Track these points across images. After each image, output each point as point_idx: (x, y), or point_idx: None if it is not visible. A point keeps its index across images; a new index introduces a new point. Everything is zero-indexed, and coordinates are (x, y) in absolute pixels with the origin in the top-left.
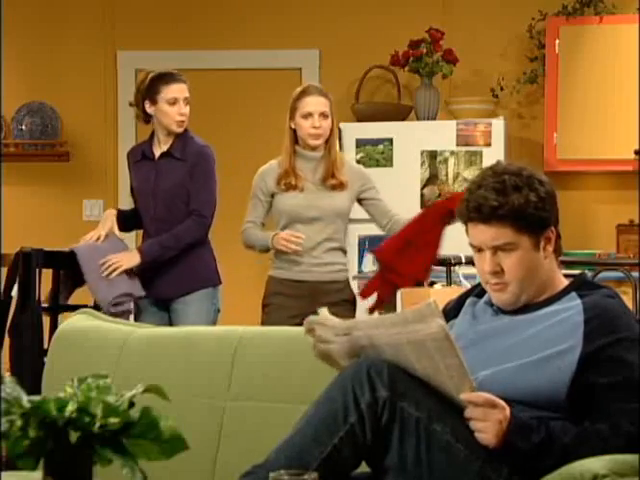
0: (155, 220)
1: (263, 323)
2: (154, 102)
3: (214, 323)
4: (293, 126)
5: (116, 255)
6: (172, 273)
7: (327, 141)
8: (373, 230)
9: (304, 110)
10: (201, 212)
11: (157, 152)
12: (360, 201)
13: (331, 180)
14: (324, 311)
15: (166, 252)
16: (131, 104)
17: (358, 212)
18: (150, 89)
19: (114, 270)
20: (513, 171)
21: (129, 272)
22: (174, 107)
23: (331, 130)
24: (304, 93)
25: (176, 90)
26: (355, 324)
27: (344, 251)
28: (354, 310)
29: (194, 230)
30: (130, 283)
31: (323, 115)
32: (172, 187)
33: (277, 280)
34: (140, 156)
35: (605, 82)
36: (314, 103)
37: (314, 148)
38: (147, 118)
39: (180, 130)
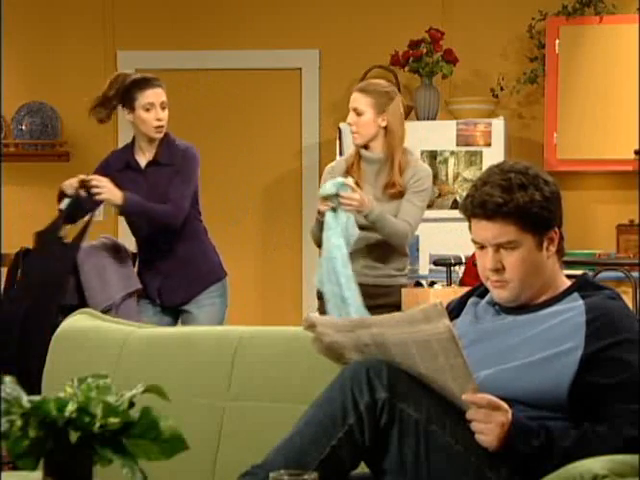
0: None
1: (320, 310)
2: (132, 109)
3: (223, 319)
4: None
5: (105, 182)
6: (181, 278)
7: (387, 144)
8: None
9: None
10: (178, 203)
11: (142, 161)
12: None
13: (390, 189)
14: (318, 315)
15: (141, 217)
16: (101, 101)
17: None
18: (126, 96)
19: (92, 187)
20: (519, 169)
21: (124, 267)
22: (150, 113)
23: (386, 131)
24: (354, 89)
25: (151, 95)
26: (360, 322)
27: (402, 255)
28: None
29: (169, 216)
30: (125, 282)
31: (355, 111)
32: (164, 193)
33: None
34: (123, 165)
35: (605, 82)
36: (352, 99)
37: (360, 147)
38: (109, 116)
39: (160, 136)
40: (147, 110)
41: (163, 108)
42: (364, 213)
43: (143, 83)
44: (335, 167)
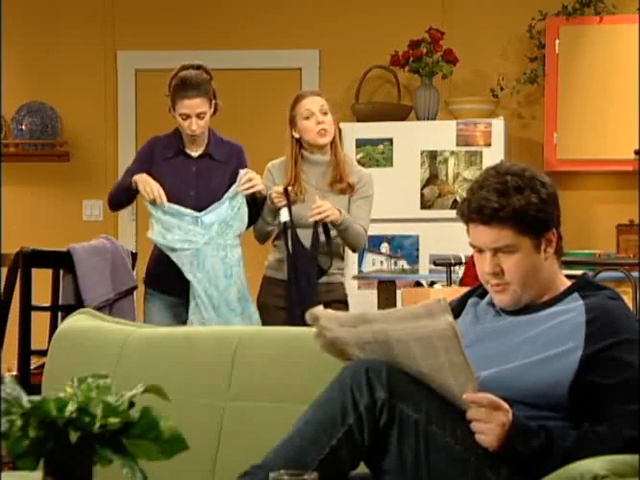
0: None
1: (263, 323)
2: (173, 109)
3: None
4: (296, 134)
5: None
6: None
7: (332, 144)
8: (374, 230)
9: (304, 111)
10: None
11: (190, 150)
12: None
13: (339, 184)
14: (322, 309)
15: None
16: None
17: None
18: (172, 95)
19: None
20: (516, 172)
21: (122, 266)
22: (186, 121)
23: (335, 131)
24: (300, 97)
25: (188, 106)
26: (363, 316)
27: (340, 256)
28: (347, 310)
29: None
30: (121, 280)
31: (322, 111)
32: (215, 187)
33: (271, 280)
34: (173, 153)
35: (605, 82)
36: (313, 102)
37: (322, 148)
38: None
39: (194, 139)
40: (183, 119)
41: (201, 118)
42: (337, 222)
43: (183, 91)
44: (276, 167)
